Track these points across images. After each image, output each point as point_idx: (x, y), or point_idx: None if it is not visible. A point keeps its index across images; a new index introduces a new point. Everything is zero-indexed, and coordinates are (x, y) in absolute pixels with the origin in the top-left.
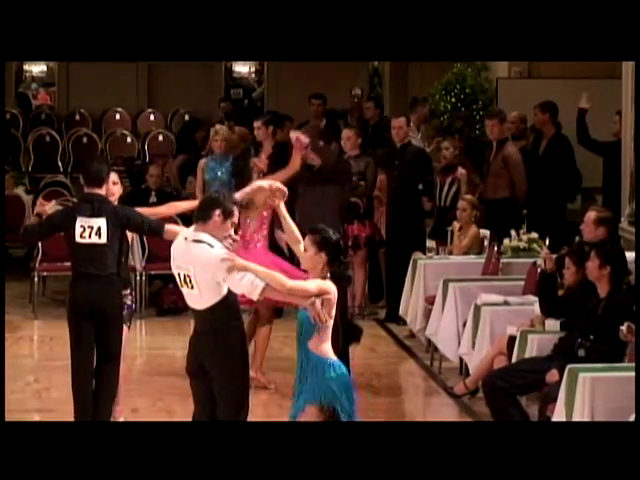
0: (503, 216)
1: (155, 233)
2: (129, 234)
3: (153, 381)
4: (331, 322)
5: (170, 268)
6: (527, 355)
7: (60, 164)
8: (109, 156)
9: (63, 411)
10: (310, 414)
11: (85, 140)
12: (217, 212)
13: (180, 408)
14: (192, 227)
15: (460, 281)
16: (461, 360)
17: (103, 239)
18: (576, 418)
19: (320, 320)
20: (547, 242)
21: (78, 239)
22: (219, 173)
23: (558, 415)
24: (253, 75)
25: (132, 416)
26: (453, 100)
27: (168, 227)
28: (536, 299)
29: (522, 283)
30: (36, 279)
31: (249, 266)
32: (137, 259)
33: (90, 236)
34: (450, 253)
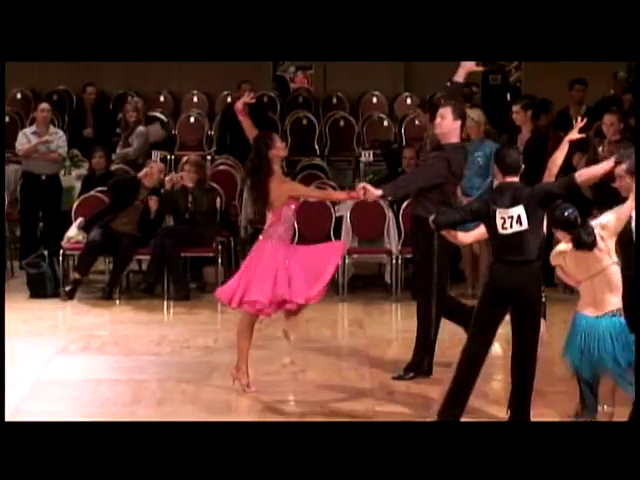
0: None
1: (570, 187)
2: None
3: None
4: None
5: None
6: None
7: (317, 147)
8: (365, 139)
9: (317, 394)
10: None
11: (342, 123)
12: None
13: (435, 391)
14: None
15: None
16: None
17: (524, 225)
18: None
19: None
20: None
21: (500, 231)
22: (475, 158)
23: None
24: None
25: (388, 398)
26: None
27: (579, 175)
28: None
29: None
30: None
31: None
32: (393, 242)
33: (512, 226)
34: None
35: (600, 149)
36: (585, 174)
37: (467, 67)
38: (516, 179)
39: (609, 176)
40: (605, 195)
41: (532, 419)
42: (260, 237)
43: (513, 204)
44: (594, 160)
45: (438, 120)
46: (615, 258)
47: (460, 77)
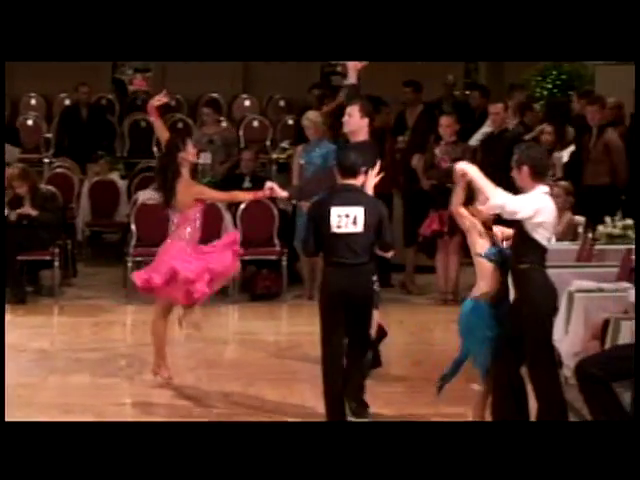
0: (603, 203)
1: (383, 247)
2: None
3: (245, 366)
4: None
5: (263, 253)
6: (620, 342)
7: (155, 149)
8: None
9: (154, 396)
10: None
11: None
12: None
13: (272, 392)
14: None
15: (554, 267)
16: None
17: (359, 228)
18: None
19: None
20: None
21: (334, 229)
22: (313, 158)
23: None
24: None
25: (225, 400)
26: (549, 86)
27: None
28: (630, 286)
29: (616, 270)
30: (130, 264)
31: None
32: None
33: (347, 225)
34: None
35: (437, 151)
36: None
37: (352, 66)
38: (354, 181)
39: (446, 178)
40: (440, 195)
41: (371, 419)
42: (168, 239)
43: (352, 204)
44: (431, 161)
45: (346, 118)
46: (477, 250)
47: (352, 78)
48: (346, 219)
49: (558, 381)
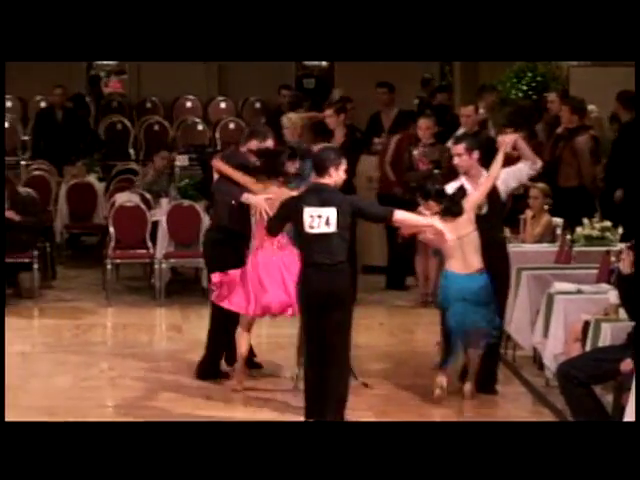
0: (574, 205)
1: (381, 219)
2: None
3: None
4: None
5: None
6: (600, 344)
7: (132, 152)
8: (179, 144)
9: (136, 398)
10: None
11: (156, 128)
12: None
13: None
14: None
15: (533, 269)
16: (535, 349)
17: (332, 228)
18: None
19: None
20: (620, 231)
21: (307, 229)
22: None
23: (632, 404)
24: (324, 63)
25: (205, 402)
26: (524, 88)
27: (397, 213)
28: (610, 287)
29: (595, 271)
30: (109, 266)
31: None
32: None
33: (319, 226)
34: (523, 241)
35: (415, 152)
36: (403, 217)
37: None
38: (327, 180)
39: (424, 179)
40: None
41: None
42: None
43: (324, 204)
44: (409, 163)
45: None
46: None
47: None
48: (319, 219)
49: None
